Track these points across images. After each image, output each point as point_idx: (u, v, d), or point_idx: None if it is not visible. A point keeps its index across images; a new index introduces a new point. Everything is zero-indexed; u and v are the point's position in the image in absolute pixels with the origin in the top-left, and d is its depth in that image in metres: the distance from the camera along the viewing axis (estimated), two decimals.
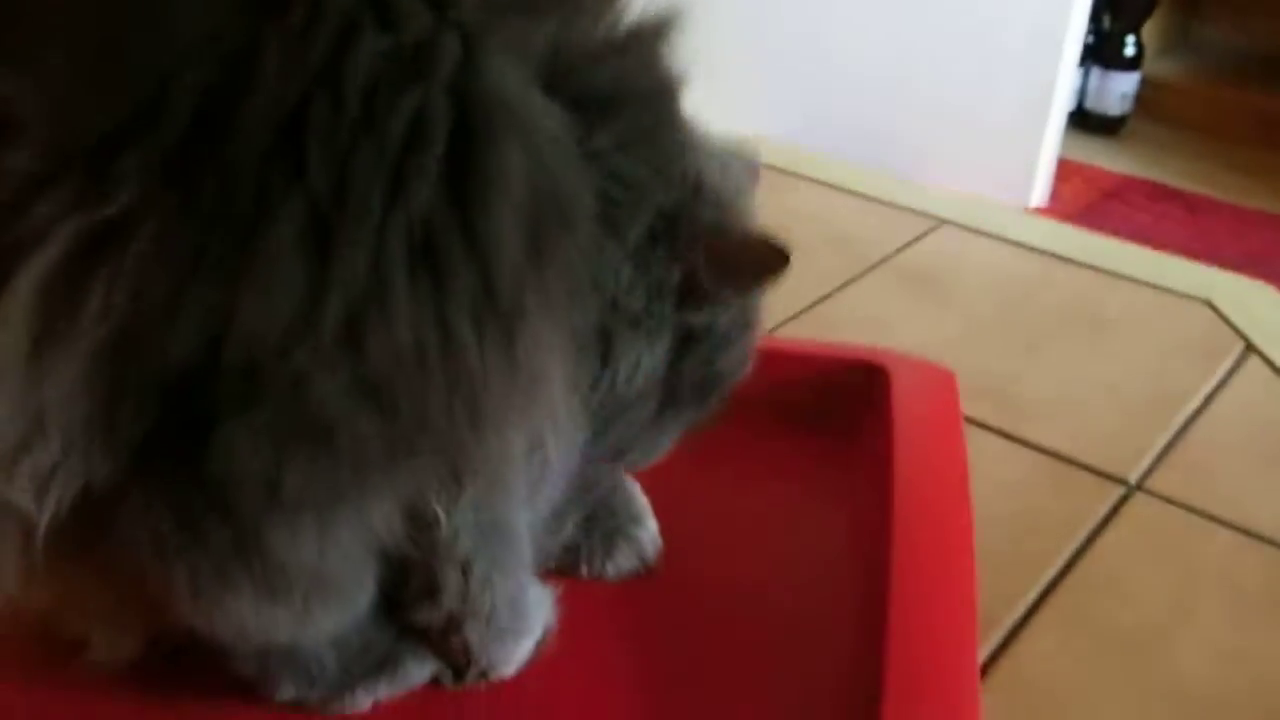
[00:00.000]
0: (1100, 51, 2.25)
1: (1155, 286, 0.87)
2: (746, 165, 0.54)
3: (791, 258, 0.48)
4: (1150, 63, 2.33)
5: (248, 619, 0.45)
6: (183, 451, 0.39)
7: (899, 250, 0.92)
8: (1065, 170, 2.13)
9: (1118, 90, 2.28)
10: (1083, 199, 2.11)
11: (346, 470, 0.42)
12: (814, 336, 0.81)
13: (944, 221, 0.96)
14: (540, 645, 0.54)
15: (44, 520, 0.38)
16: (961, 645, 0.53)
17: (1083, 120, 2.32)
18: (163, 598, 0.43)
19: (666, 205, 0.47)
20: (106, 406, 0.37)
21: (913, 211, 0.98)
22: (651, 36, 0.48)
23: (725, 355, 0.52)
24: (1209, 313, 0.84)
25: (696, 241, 0.48)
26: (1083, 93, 2.31)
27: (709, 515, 0.64)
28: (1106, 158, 2.26)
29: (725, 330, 0.52)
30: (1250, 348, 0.80)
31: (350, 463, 0.41)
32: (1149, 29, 2.29)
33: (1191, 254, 1.90)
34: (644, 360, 0.50)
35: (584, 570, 0.60)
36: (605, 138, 0.44)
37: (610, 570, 0.60)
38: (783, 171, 1.02)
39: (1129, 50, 2.24)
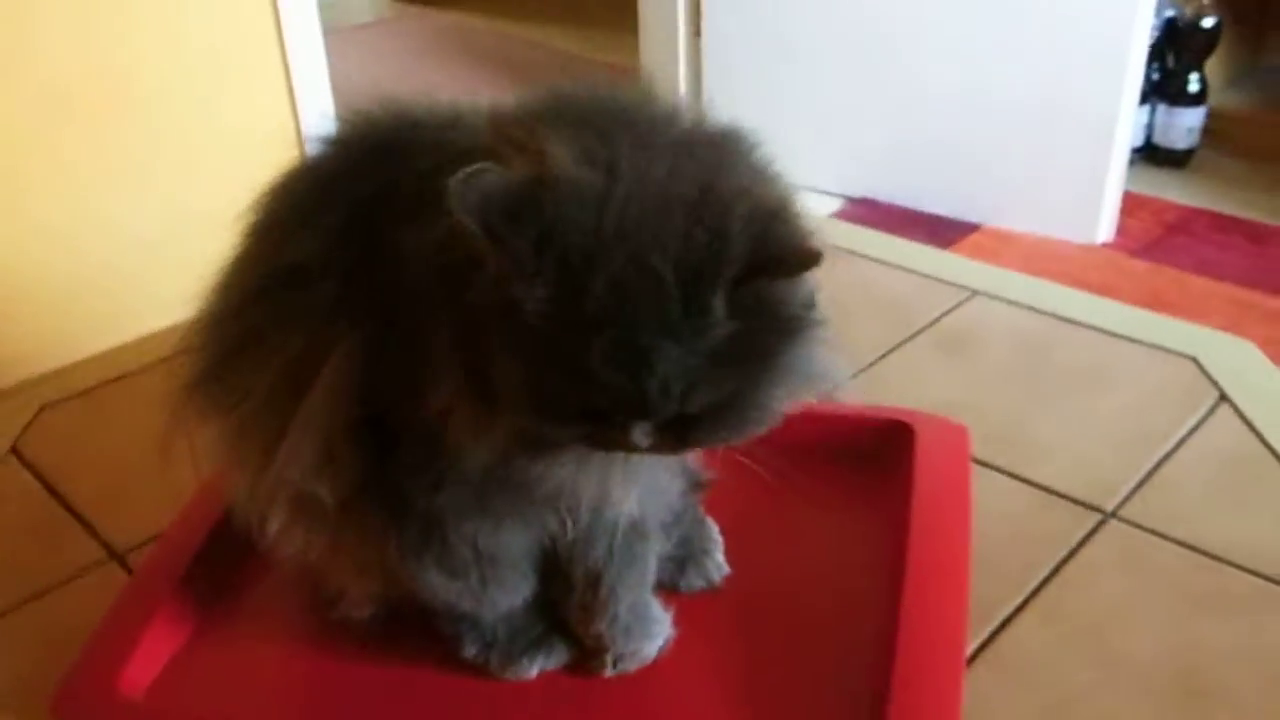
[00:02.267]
0: (1165, 88, 2.39)
1: (1149, 344, 1.05)
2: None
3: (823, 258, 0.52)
4: (1217, 95, 2.45)
5: (438, 588, 0.68)
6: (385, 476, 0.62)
7: (937, 319, 1.11)
8: (1133, 204, 2.28)
9: (1184, 125, 2.41)
10: (1149, 232, 2.25)
11: (510, 499, 0.64)
12: (867, 393, 1.02)
13: (977, 292, 1.15)
14: (662, 650, 0.75)
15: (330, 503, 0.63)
16: (954, 636, 0.73)
17: (1151, 154, 2.45)
18: (390, 567, 0.67)
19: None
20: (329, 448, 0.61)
21: (950, 283, 1.17)
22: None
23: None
24: (1192, 367, 1.02)
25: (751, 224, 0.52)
26: (1150, 128, 2.44)
27: (766, 541, 0.86)
28: (1174, 190, 2.39)
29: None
30: (1223, 398, 0.98)
31: (510, 496, 0.64)
32: (1215, 62, 2.42)
33: (1250, 282, 2.03)
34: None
35: (666, 582, 0.79)
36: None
37: (683, 585, 0.81)
38: (844, 250, 1.23)
39: (1193, 86, 2.37)
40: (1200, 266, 2.14)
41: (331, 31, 2.11)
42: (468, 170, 0.50)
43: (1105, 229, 2.22)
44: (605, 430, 0.54)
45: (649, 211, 0.51)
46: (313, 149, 0.64)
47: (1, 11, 1.58)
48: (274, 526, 0.65)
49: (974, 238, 2.27)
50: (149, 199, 1.83)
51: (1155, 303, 2.01)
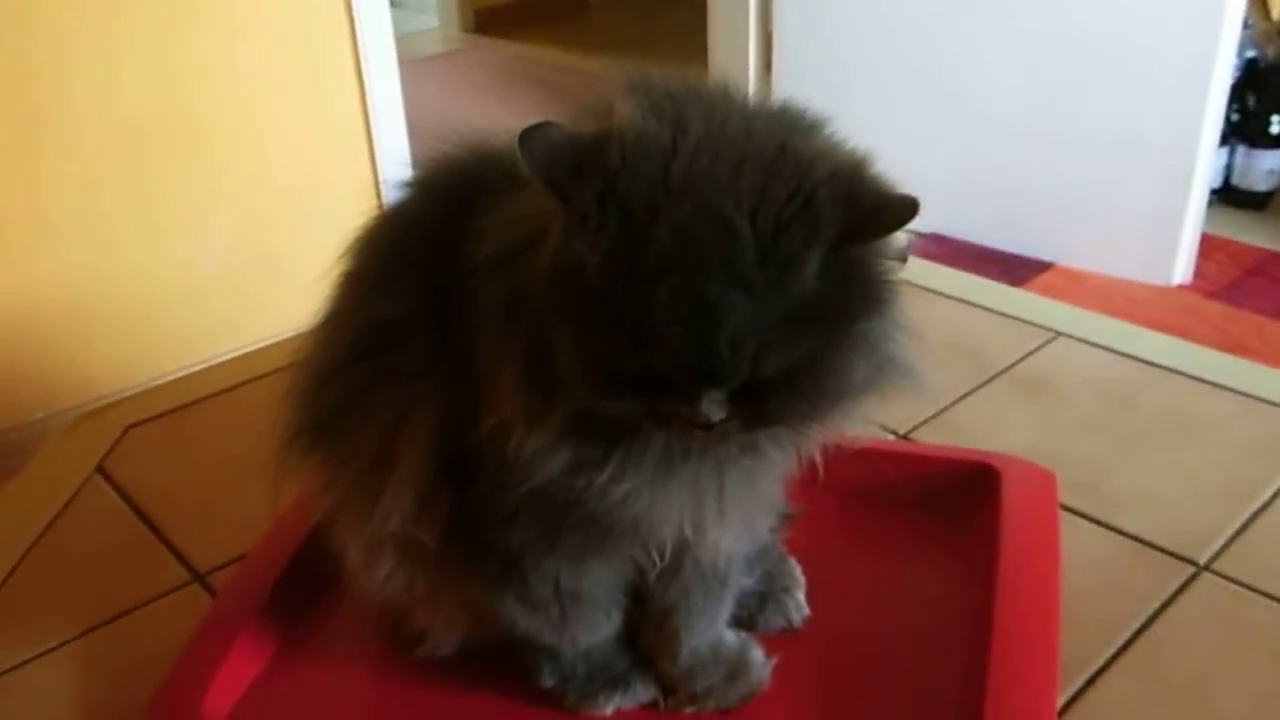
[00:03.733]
0: (1245, 129, 2.35)
1: (1237, 391, 1.03)
2: None
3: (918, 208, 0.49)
4: None
5: (519, 622, 0.69)
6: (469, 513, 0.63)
7: (1018, 361, 1.10)
8: (1210, 246, 2.24)
9: (1263, 167, 2.37)
10: (1226, 275, 2.21)
11: (585, 535, 0.64)
12: (944, 438, 1.00)
13: (1059, 334, 1.13)
14: (748, 696, 0.73)
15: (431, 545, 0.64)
16: (1044, 690, 0.72)
17: (1230, 196, 2.41)
18: (475, 601, 0.67)
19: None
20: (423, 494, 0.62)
21: (1033, 324, 1.15)
22: None
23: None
24: None
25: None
26: (1229, 169, 2.41)
27: (847, 584, 0.84)
28: (1253, 233, 2.35)
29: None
30: None
31: (585, 532, 0.64)
32: None
33: None
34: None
35: (744, 619, 0.78)
36: None
37: (760, 625, 0.79)
38: (919, 287, 1.21)
39: (1274, 128, 2.33)
40: (1278, 311, 2.09)
41: (404, 61, 2.15)
42: (532, 123, 0.49)
43: (1182, 271, 2.18)
44: (671, 403, 0.51)
45: (721, 164, 0.49)
46: (396, 193, 0.66)
47: (94, 53, 1.63)
48: (382, 572, 0.67)
49: (1046, 276, 2.24)
50: (227, 230, 1.87)
51: (1233, 348, 1.97)
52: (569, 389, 0.53)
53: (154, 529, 0.94)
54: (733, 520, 0.62)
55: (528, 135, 0.49)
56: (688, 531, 0.62)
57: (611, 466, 0.57)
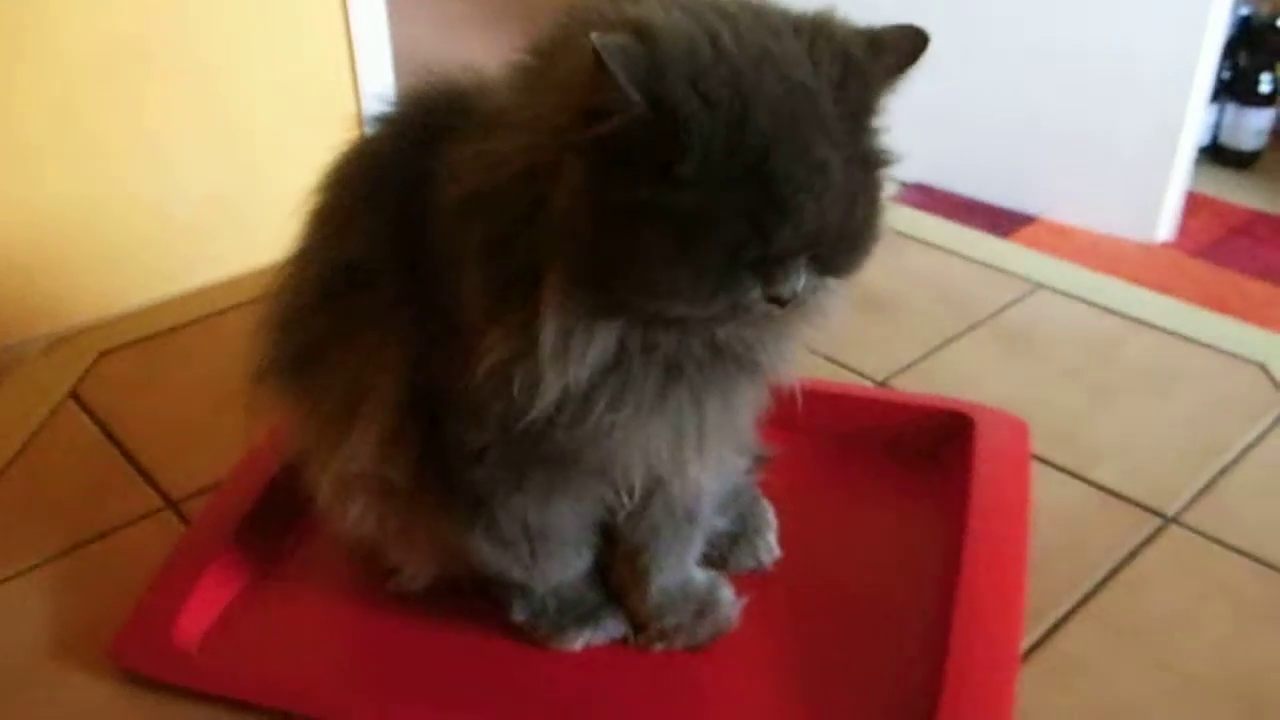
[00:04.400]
0: (1236, 87, 2.34)
1: (1216, 348, 1.03)
2: None
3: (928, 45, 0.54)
4: None
5: (489, 559, 0.69)
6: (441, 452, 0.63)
7: (999, 311, 1.10)
8: (1195, 204, 2.23)
9: (1252, 126, 2.36)
10: (1210, 234, 2.21)
11: (552, 474, 0.64)
12: (922, 386, 1.01)
13: (1040, 285, 1.14)
14: (716, 634, 0.74)
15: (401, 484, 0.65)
16: (1008, 635, 0.73)
17: (1217, 154, 2.41)
18: (446, 538, 0.67)
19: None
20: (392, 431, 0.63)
21: (1014, 275, 1.15)
22: None
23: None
24: (1261, 374, 1.00)
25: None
26: (1217, 127, 2.40)
27: (818, 527, 0.85)
28: (1238, 192, 2.34)
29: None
30: None
31: (552, 471, 0.64)
32: None
33: None
34: None
35: (715, 558, 0.78)
36: None
37: (731, 564, 0.80)
38: (900, 234, 1.21)
39: (1264, 87, 2.32)
40: (1262, 271, 2.10)
41: None
42: (599, 39, 0.47)
43: (1166, 228, 2.18)
44: (769, 280, 0.52)
45: (767, 40, 0.51)
46: (368, 129, 0.65)
47: None
48: (354, 511, 0.68)
49: (1030, 229, 2.24)
50: (209, 157, 1.85)
51: (1215, 306, 1.97)
52: (655, 296, 0.52)
53: (127, 455, 0.94)
54: (711, 454, 0.63)
55: (609, 51, 0.47)
56: (666, 465, 0.62)
57: (605, 397, 0.57)
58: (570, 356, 0.55)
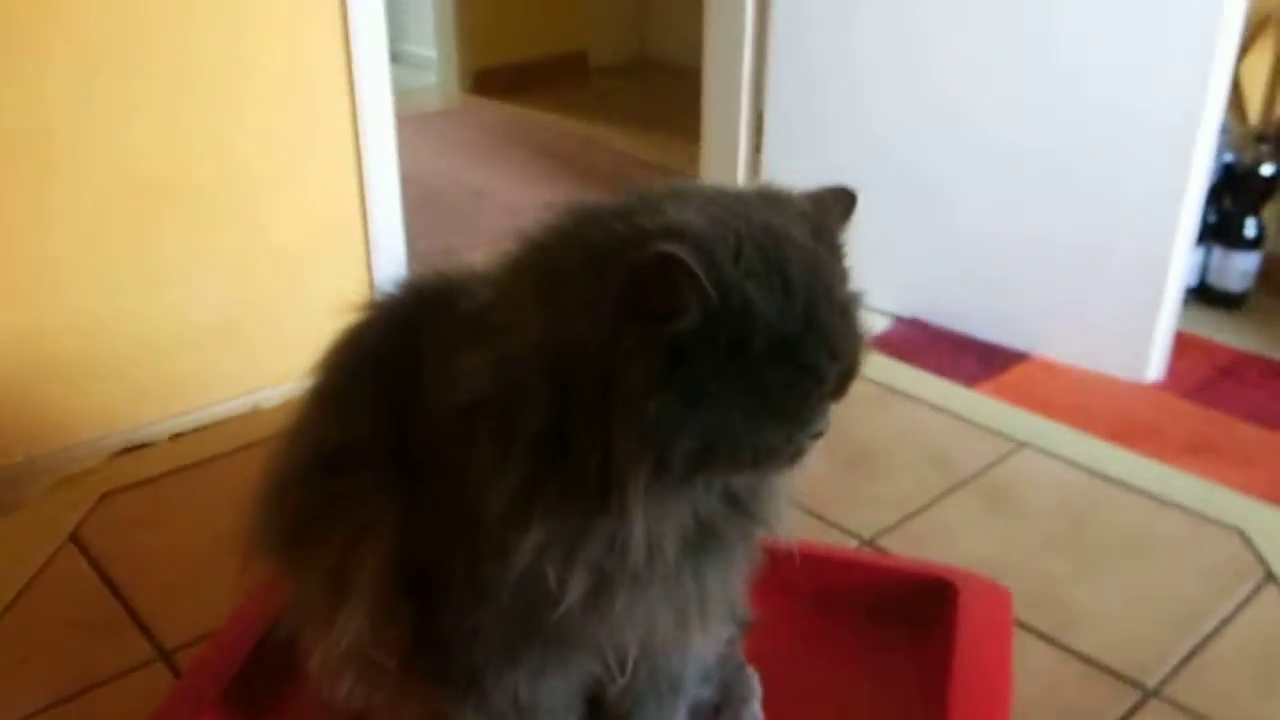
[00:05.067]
0: (1221, 231, 2.40)
1: (1196, 513, 1.05)
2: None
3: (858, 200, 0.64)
4: (1274, 240, 2.45)
5: None
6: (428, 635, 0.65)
7: (984, 469, 1.12)
8: (1184, 344, 2.27)
9: (1239, 268, 2.41)
10: (1199, 374, 2.24)
11: (546, 650, 0.65)
12: (908, 545, 1.02)
13: (1024, 443, 1.16)
14: None
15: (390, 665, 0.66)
16: None
17: (1205, 295, 2.45)
18: (436, 712, 0.69)
19: None
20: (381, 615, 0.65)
21: (998, 433, 1.18)
22: None
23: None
24: (1239, 541, 1.02)
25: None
26: (1205, 269, 2.45)
27: (804, 694, 0.86)
28: (1227, 333, 2.38)
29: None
30: (1270, 576, 0.97)
31: (557, 648, 0.65)
32: (1273, 208, 2.42)
33: None
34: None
35: None
36: None
37: None
38: (888, 388, 1.24)
39: (1250, 231, 2.38)
40: (1250, 413, 2.12)
41: (403, 119, 2.18)
42: (673, 248, 0.52)
43: (1155, 368, 2.21)
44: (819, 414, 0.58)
45: (766, 216, 0.58)
46: (362, 314, 0.68)
47: (105, 113, 1.67)
48: (343, 687, 0.69)
49: (1023, 367, 2.27)
50: (221, 282, 1.90)
51: (1204, 449, 1.99)
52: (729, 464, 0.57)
53: (123, 601, 0.95)
54: (714, 622, 0.66)
55: (684, 258, 0.52)
56: (669, 639, 0.64)
57: (627, 580, 0.60)
58: (661, 542, 0.58)
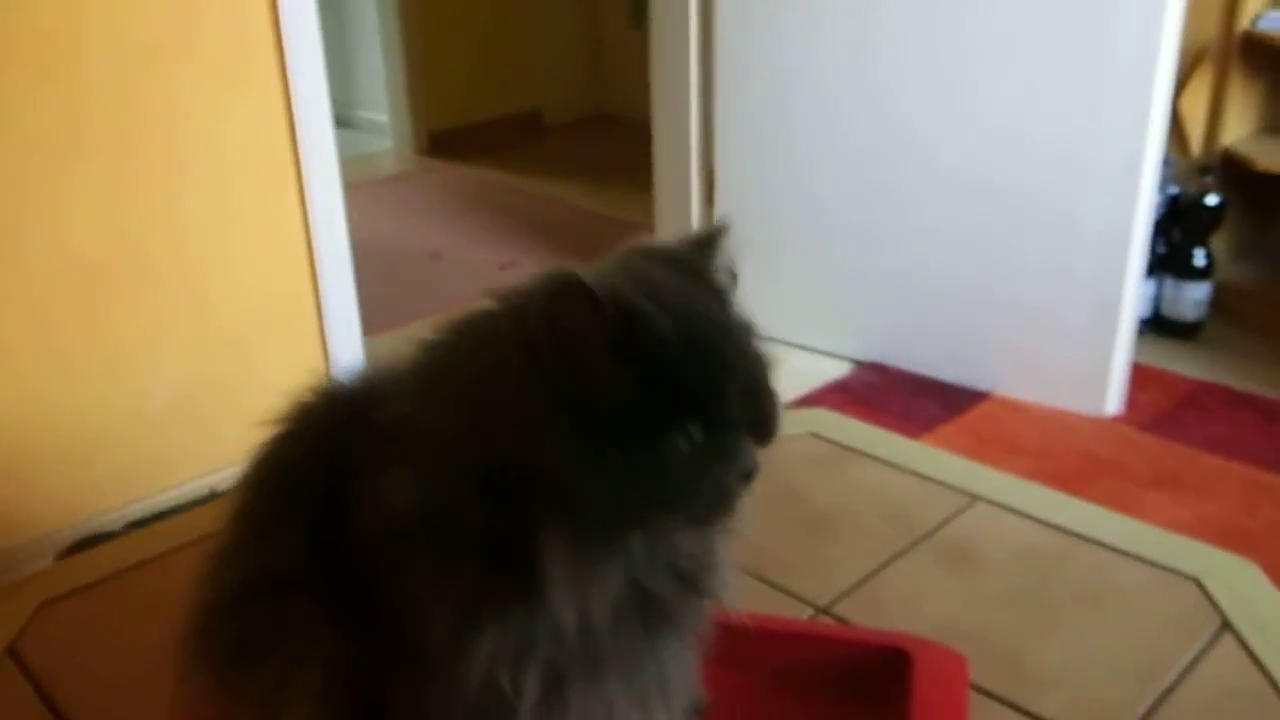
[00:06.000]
0: (1171, 262, 2.43)
1: (1152, 563, 1.05)
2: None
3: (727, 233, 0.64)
4: (1224, 269, 2.48)
5: None
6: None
7: (939, 526, 1.11)
8: (1143, 376, 2.28)
9: (1191, 298, 2.44)
10: (1158, 406, 2.25)
11: None
12: (864, 610, 1.01)
13: (977, 498, 1.16)
14: None
15: None
16: None
17: (1161, 326, 2.48)
18: None
19: None
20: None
21: (952, 488, 1.17)
22: None
23: None
24: (1195, 590, 1.01)
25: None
26: (1158, 300, 2.47)
27: None
28: (1184, 363, 2.40)
29: None
30: (1226, 625, 0.97)
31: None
32: (1220, 237, 2.46)
33: (1262, 462, 2.02)
34: None
35: None
36: None
37: None
38: (839, 446, 1.24)
39: (1199, 261, 2.41)
40: (1211, 444, 2.13)
41: (357, 185, 2.18)
42: (558, 273, 0.53)
43: (1114, 401, 2.22)
44: (735, 455, 0.57)
45: (652, 270, 0.59)
46: (278, 429, 0.67)
47: (40, 194, 1.66)
48: None
49: (983, 406, 2.28)
50: (175, 363, 1.88)
51: (1166, 481, 2.00)
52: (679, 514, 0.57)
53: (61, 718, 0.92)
54: (676, 700, 0.64)
55: (571, 281, 0.53)
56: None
57: (581, 670, 0.58)
58: (583, 604, 0.56)
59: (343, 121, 3.79)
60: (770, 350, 0.61)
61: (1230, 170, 2.45)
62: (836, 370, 2.43)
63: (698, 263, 0.61)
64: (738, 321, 0.60)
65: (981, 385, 2.33)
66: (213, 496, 1.64)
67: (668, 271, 0.59)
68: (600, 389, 0.53)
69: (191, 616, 0.68)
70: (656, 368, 0.54)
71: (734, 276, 0.63)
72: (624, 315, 0.54)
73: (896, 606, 1.01)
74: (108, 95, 1.69)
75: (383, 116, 3.93)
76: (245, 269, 1.95)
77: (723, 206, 2.47)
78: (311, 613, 0.62)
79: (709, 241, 0.63)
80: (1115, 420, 2.21)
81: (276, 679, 0.63)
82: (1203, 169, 2.41)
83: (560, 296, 0.53)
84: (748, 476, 0.57)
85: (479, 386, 0.55)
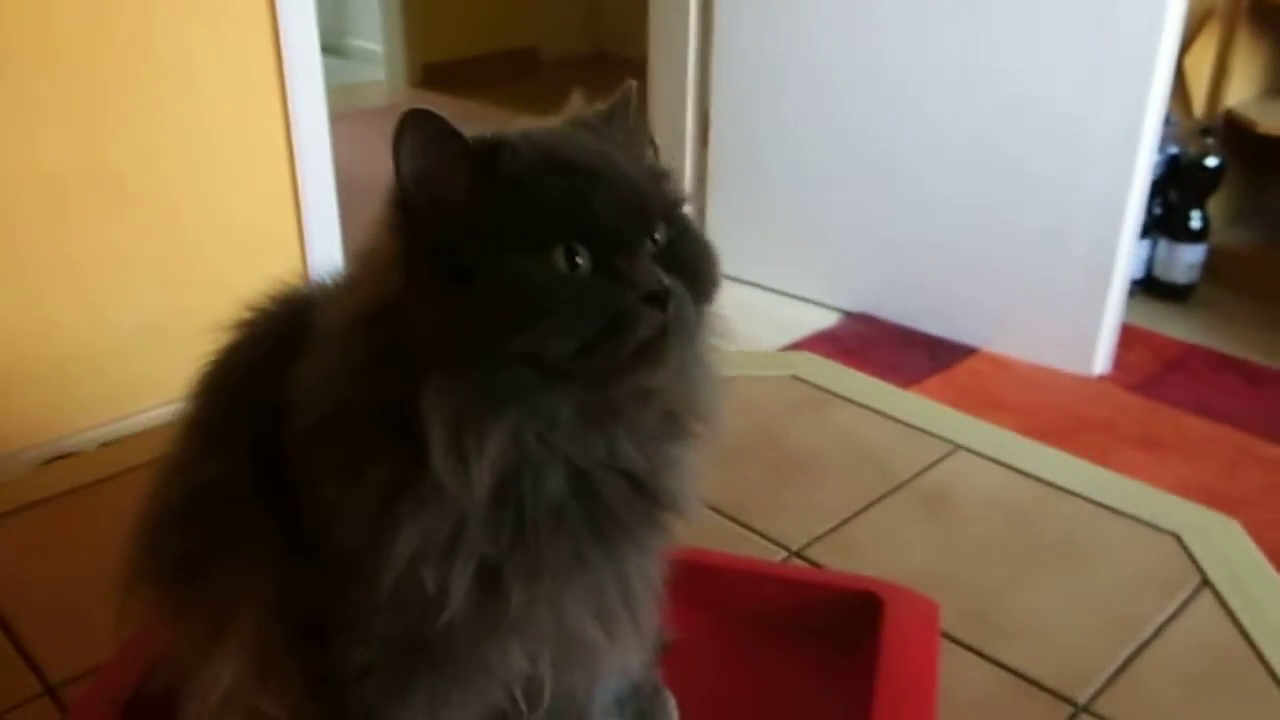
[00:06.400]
0: (1167, 223, 2.39)
1: (1132, 517, 1.03)
2: None
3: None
4: (1219, 233, 2.45)
5: None
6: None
7: (919, 473, 1.09)
8: (1131, 337, 2.26)
9: (1184, 260, 2.41)
10: (1146, 367, 2.23)
11: (451, 688, 0.62)
12: (840, 554, 0.99)
13: (959, 446, 1.13)
14: None
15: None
16: None
17: (1152, 288, 2.45)
18: None
19: None
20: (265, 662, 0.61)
21: (935, 435, 1.15)
22: None
23: None
24: (1175, 546, 0.99)
25: None
26: (1151, 261, 2.44)
27: (726, 713, 0.82)
28: (1174, 325, 2.38)
29: None
30: (1205, 582, 0.95)
31: (452, 674, 0.61)
32: (1217, 200, 2.42)
33: (1246, 426, 2.01)
34: None
35: None
36: None
37: None
38: (823, 390, 1.21)
39: (1195, 224, 2.38)
40: (1197, 406, 2.11)
41: (346, 114, 2.13)
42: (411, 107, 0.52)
43: (1102, 361, 2.20)
44: (627, 274, 0.53)
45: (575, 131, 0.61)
46: (233, 334, 0.65)
47: (3, 111, 1.60)
48: None
49: (971, 361, 2.25)
50: (145, 284, 1.84)
51: (1151, 442, 1.98)
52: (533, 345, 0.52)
53: (9, 632, 0.90)
54: (644, 613, 0.61)
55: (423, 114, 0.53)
56: (595, 641, 0.60)
57: (518, 571, 0.55)
58: (469, 460, 0.52)
59: (334, 49, 3.72)
60: (681, 190, 0.61)
61: (1232, 132, 2.41)
62: (824, 320, 2.39)
63: (598, 123, 0.63)
64: (630, 158, 0.59)
65: (970, 340, 2.31)
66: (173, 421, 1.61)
67: (564, 128, 0.61)
68: (467, 214, 0.52)
69: (139, 529, 0.65)
70: (525, 189, 0.53)
71: (651, 142, 0.63)
72: (487, 143, 0.54)
73: (871, 552, 0.99)
74: (81, 6, 1.63)
75: (376, 46, 3.85)
76: (223, 198, 1.90)
77: (715, 151, 2.42)
78: (261, 523, 0.59)
79: (616, 107, 0.65)
80: (1102, 380, 2.19)
81: (225, 591, 0.61)
82: (1204, 130, 2.37)
83: (412, 123, 0.53)
84: (654, 298, 0.53)
85: (365, 256, 0.56)
